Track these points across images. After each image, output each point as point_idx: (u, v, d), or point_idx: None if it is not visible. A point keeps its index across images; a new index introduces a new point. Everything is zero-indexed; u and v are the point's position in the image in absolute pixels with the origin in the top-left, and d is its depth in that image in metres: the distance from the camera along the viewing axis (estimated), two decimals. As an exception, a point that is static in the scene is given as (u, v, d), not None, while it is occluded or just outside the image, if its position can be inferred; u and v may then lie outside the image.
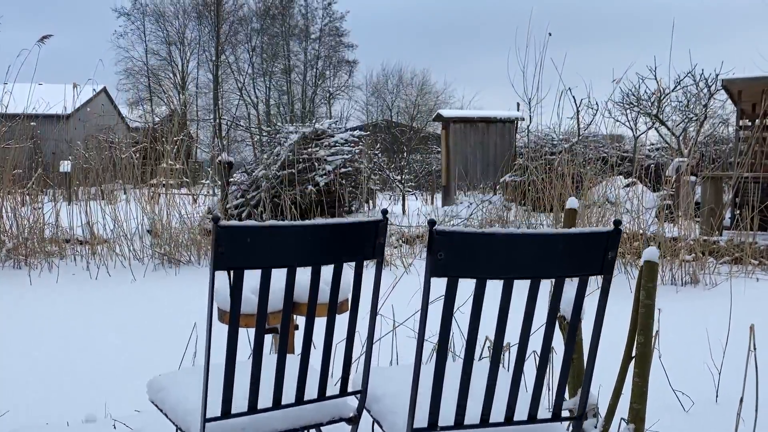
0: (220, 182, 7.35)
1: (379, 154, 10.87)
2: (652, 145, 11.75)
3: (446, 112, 11.13)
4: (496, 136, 11.02)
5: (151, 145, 8.87)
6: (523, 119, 11.35)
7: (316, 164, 8.39)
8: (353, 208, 9.47)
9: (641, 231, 5.78)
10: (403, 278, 4.97)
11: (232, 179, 7.61)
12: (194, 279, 5.39)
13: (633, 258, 5.54)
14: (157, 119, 35.52)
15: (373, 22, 60.11)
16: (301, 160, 8.08)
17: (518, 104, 11.46)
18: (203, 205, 10.83)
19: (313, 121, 8.69)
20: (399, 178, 9.88)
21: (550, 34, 7.11)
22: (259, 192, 7.54)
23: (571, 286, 1.34)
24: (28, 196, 11.82)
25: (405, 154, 25.18)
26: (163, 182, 8.37)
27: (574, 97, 9.30)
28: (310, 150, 8.36)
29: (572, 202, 1.87)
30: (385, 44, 61.40)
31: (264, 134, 10.19)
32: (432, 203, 12.51)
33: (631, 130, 11.16)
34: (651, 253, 1.53)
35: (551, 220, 7.12)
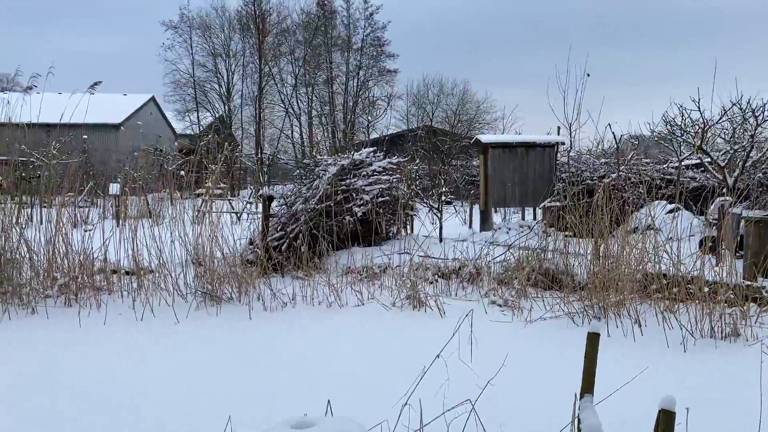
0: (262, 215, 7.53)
1: (417, 182, 10.92)
2: (696, 169, 11.49)
3: (485, 138, 11.12)
4: (536, 161, 10.95)
5: (197, 155, 9.17)
6: (564, 143, 11.26)
7: (354, 194, 8.50)
8: (390, 235, 9.55)
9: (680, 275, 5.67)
10: (439, 325, 4.98)
11: (272, 212, 7.78)
12: (235, 322, 5.54)
13: (671, 304, 5.45)
14: (202, 128, 36.39)
15: (414, 31, 60.20)
16: (339, 191, 8.21)
17: (558, 128, 11.39)
18: (245, 221, 11.07)
19: (351, 153, 8.79)
20: (437, 205, 9.89)
21: (588, 75, 7.05)
22: (298, 225, 7.69)
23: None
24: (79, 215, 12.23)
25: (444, 164, 25.17)
26: (209, 189, 8.59)
27: (614, 133, 9.18)
28: (348, 181, 8.48)
29: (595, 326, 1.90)
30: (425, 53, 61.40)
31: (302, 167, 10.33)
32: (470, 224, 12.49)
33: (675, 153, 10.93)
34: (668, 402, 1.55)
35: (591, 248, 7.04)
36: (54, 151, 21.12)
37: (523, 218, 11.93)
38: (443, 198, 14.27)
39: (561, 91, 9.16)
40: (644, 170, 10.86)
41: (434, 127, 34.15)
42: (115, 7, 76.10)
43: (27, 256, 6.48)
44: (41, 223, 10.65)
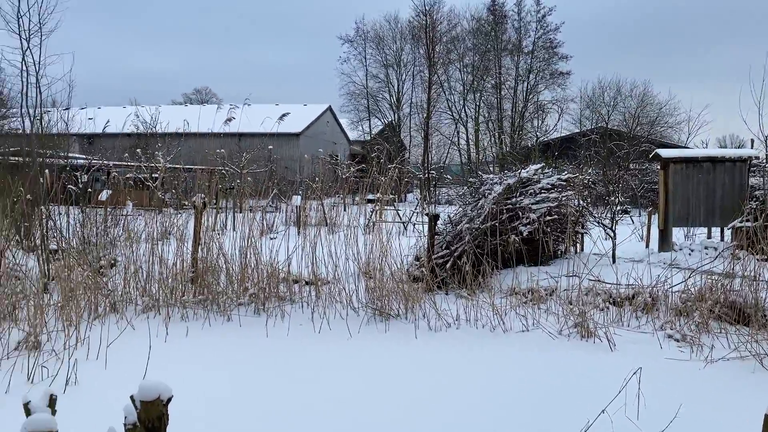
0: (427, 234, 7.76)
1: (590, 190, 10.51)
2: None
3: (666, 152, 10.39)
4: (724, 177, 10.00)
5: (368, 161, 9.70)
6: (758, 158, 10.17)
7: (520, 213, 8.43)
8: (558, 254, 9.31)
9: None
10: (609, 360, 4.80)
11: (437, 231, 7.99)
12: (402, 340, 5.81)
13: None
14: (373, 136, 37.99)
15: (588, 30, 57.48)
16: (504, 210, 8.19)
17: (752, 141, 10.29)
18: (412, 235, 11.45)
19: (518, 171, 8.72)
20: (609, 224, 9.45)
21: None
22: (462, 244, 7.81)
23: None
24: (264, 222, 13.39)
25: (621, 169, 23.74)
26: (379, 200, 9.04)
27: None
28: (514, 199, 8.43)
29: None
30: (600, 53, 58.38)
31: (468, 186, 10.43)
32: (647, 242, 11.73)
33: None
34: None
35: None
36: (244, 161, 23.32)
37: (708, 237, 10.95)
38: (619, 206, 13.53)
39: (755, 101, 8.25)
40: None
41: (610, 129, 32.30)
42: (298, 24, 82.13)
43: (223, 266, 7.33)
44: (234, 230, 11.90)
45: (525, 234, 8.22)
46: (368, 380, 4.67)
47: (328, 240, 7.84)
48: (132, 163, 22.47)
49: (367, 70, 41.86)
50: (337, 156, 36.52)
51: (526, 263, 8.04)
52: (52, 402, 2.02)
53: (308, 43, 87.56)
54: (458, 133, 41.56)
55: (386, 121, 41.51)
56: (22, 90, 8.75)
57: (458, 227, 8.09)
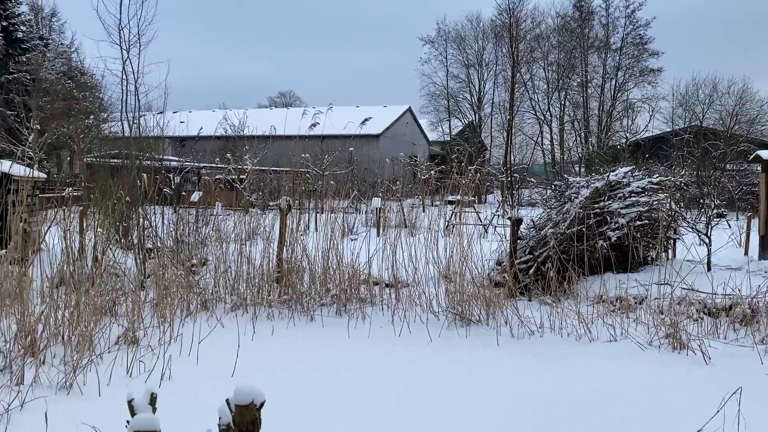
0: (510, 238, 7.64)
1: (681, 203, 10.00)
2: None
3: (767, 154, 9.72)
4: (837, 180, 9.24)
5: (448, 162, 9.69)
6: None
7: (608, 218, 8.14)
8: (648, 260, 8.91)
9: None
10: (703, 375, 4.53)
11: (520, 236, 7.84)
12: (483, 347, 5.73)
13: None
14: (453, 137, 37.78)
15: (681, 24, 54.65)
16: (591, 214, 7.93)
17: None
18: (493, 238, 11.29)
19: (607, 174, 8.42)
20: (704, 230, 8.95)
21: None
22: (546, 249, 7.63)
23: None
24: (345, 223, 13.61)
25: (717, 170, 22.39)
26: (459, 203, 8.97)
27: None
28: (602, 204, 8.15)
29: None
30: (695, 48, 55.37)
31: (554, 189, 10.17)
32: (746, 249, 11.03)
33: None
34: None
35: None
36: (326, 163, 23.78)
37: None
38: (715, 210, 12.79)
39: None
40: None
41: (705, 127, 30.56)
42: (379, 26, 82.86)
43: (307, 267, 7.51)
44: (316, 230, 12.17)
45: (613, 239, 7.93)
46: (453, 386, 4.64)
47: (408, 242, 7.87)
48: (221, 165, 23.42)
49: (447, 70, 41.72)
50: (416, 157, 36.56)
51: (614, 270, 7.75)
52: (152, 400, 2.13)
53: (389, 44, 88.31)
54: (542, 133, 40.64)
55: (466, 122, 41.19)
56: (122, 97, 9.32)
57: (542, 232, 7.90)
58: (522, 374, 5.00)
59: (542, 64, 39.99)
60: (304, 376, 4.80)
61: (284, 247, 7.66)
